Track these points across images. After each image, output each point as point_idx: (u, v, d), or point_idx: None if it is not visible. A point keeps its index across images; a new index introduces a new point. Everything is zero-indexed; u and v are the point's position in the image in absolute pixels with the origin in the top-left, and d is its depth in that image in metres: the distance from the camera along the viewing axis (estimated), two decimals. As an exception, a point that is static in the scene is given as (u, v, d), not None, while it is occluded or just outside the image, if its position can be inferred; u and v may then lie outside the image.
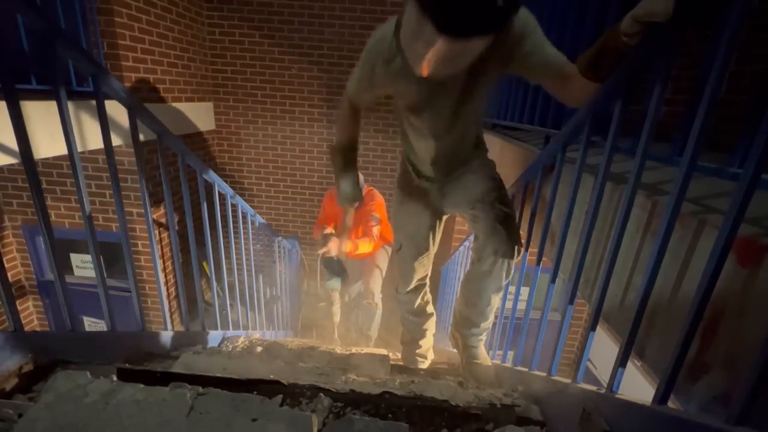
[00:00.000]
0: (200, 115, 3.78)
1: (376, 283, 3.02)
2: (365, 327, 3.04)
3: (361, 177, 2.60)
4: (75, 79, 2.21)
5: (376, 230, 2.74)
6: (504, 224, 1.31)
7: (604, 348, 3.01)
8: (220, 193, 1.99)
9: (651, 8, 0.67)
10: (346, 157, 1.49)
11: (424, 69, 0.81)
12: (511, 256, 1.33)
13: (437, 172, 1.38)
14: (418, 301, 1.74)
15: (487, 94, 1.23)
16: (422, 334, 1.84)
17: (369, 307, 2.99)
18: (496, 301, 1.46)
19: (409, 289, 1.69)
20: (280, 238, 3.45)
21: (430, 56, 0.76)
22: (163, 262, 3.24)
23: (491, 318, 1.51)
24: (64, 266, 1.08)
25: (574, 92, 0.95)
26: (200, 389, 0.75)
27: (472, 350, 1.58)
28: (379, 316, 3.04)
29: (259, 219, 2.80)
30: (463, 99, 1.13)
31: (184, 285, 1.64)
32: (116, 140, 1.48)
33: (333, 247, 2.51)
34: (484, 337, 1.59)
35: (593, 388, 0.82)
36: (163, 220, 3.18)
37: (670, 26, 0.64)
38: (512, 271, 1.39)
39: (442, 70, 0.82)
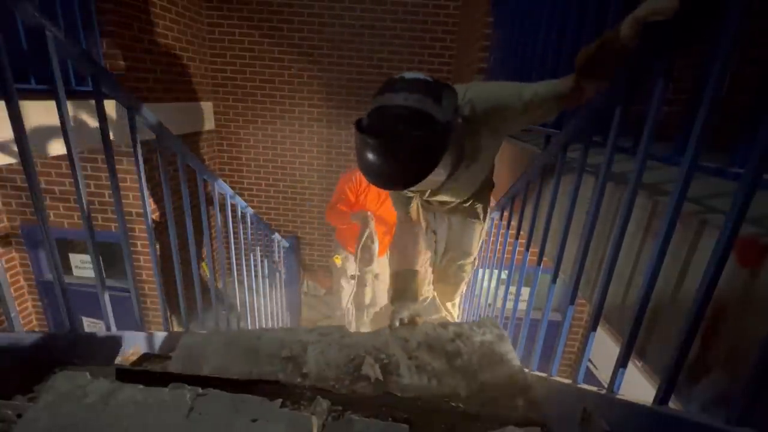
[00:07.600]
0: (200, 115, 3.77)
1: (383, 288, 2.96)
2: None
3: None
4: (74, 79, 2.21)
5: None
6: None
7: (604, 348, 3.01)
8: (219, 193, 1.99)
9: (654, 7, 0.67)
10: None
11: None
12: None
13: None
14: None
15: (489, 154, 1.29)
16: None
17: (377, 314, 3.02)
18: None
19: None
20: (278, 237, 3.45)
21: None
22: (163, 263, 3.23)
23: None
24: (63, 266, 1.08)
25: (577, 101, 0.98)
26: (200, 390, 0.74)
27: None
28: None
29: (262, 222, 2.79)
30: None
31: (183, 285, 1.64)
32: (115, 140, 1.47)
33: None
34: None
35: (594, 388, 0.81)
36: (162, 221, 3.17)
37: (673, 24, 0.63)
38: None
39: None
